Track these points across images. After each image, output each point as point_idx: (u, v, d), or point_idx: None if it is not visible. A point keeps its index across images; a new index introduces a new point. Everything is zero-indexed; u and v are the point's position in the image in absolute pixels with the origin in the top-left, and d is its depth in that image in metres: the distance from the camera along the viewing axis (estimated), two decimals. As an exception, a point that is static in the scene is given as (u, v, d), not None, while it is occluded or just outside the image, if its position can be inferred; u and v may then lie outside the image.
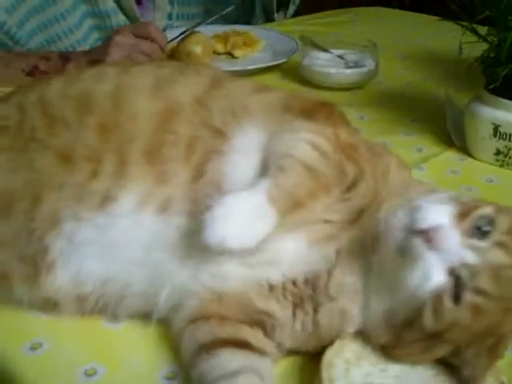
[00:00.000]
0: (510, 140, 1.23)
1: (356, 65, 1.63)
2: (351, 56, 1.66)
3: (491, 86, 1.22)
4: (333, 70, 1.61)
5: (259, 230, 0.73)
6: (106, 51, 1.56)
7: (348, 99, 1.56)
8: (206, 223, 0.72)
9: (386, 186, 0.82)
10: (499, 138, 1.24)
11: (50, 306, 0.82)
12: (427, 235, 0.69)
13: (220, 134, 0.84)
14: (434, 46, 1.91)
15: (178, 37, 1.74)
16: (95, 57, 1.58)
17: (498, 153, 1.25)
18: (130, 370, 0.77)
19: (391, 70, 1.74)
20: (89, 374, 0.76)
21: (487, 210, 0.73)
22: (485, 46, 1.23)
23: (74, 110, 0.86)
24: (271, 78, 1.69)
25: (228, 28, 1.92)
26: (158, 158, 0.82)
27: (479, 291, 0.69)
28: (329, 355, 0.75)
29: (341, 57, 1.66)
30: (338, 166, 0.80)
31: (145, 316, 0.81)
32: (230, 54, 1.81)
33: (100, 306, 0.82)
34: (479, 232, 0.71)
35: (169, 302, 0.80)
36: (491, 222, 0.72)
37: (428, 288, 0.69)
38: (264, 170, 0.80)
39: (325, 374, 0.73)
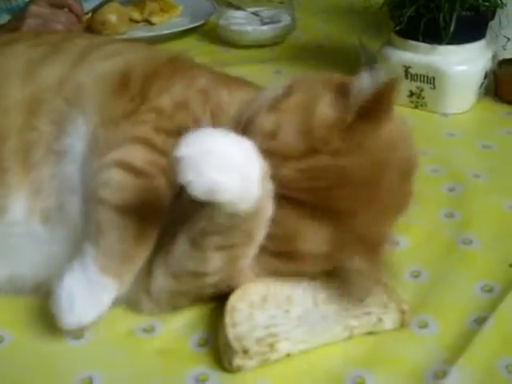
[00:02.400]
0: (420, 81, 1.24)
1: (272, 21, 1.62)
2: (266, 12, 1.65)
3: (397, 28, 1.23)
4: (249, 28, 1.60)
5: (104, 301, 0.72)
6: (21, 22, 1.51)
7: (266, 55, 1.56)
8: (54, 309, 0.71)
9: None
10: (411, 80, 1.25)
11: None
12: None
13: (59, 129, 0.78)
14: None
15: (95, 8, 1.71)
16: (8, 29, 1.54)
17: (411, 94, 1.26)
18: (37, 335, 0.76)
19: (309, 25, 1.73)
20: (-5, 343, 0.75)
21: None
22: (391, -12, 1.24)
23: None
24: (189, 42, 1.67)
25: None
26: (28, 162, 0.77)
27: None
28: (232, 300, 0.75)
29: (255, 14, 1.65)
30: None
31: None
32: (148, 21, 1.78)
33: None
34: None
35: None
36: None
37: None
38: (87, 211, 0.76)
39: (228, 319, 0.73)
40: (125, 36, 1.65)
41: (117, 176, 0.74)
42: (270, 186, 0.69)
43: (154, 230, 0.74)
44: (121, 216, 0.72)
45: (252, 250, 0.73)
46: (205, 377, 0.70)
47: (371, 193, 0.73)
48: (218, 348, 0.73)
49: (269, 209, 0.70)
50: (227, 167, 0.64)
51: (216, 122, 0.78)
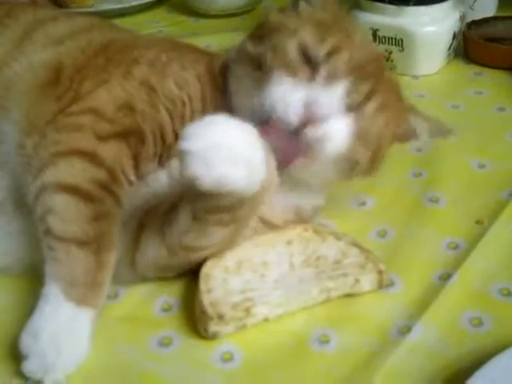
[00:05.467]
0: (389, 43, 1.23)
1: (240, -11, 1.60)
2: (235, -19, 1.62)
3: (364, -9, 1.22)
4: (217, -3, 1.58)
5: (87, 333, 0.68)
6: None
7: (235, 24, 1.54)
8: (35, 364, 0.65)
9: None
10: (379, 43, 1.24)
11: None
12: None
13: None
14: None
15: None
16: None
17: (380, 58, 1.25)
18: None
19: (279, -7, 1.71)
20: None
21: None
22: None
23: None
24: (158, 13, 1.65)
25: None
26: None
27: None
28: (206, 267, 0.74)
29: (224, -18, 1.63)
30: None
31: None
32: (117, -6, 1.75)
33: None
34: None
35: None
36: None
37: None
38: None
39: (203, 286, 0.72)
40: (92, 9, 1.62)
41: (62, 203, 0.69)
42: (272, 160, 0.68)
43: (113, 254, 0.71)
44: (78, 247, 0.68)
45: (253, 221, 0.74)
46: (168, 341, 0.70)
47: None
48: (182, 312, 0.73)
49: (273, 179, 0.69)
50: (234, 159, 0.62)
51: (176, 117, 0.75)
